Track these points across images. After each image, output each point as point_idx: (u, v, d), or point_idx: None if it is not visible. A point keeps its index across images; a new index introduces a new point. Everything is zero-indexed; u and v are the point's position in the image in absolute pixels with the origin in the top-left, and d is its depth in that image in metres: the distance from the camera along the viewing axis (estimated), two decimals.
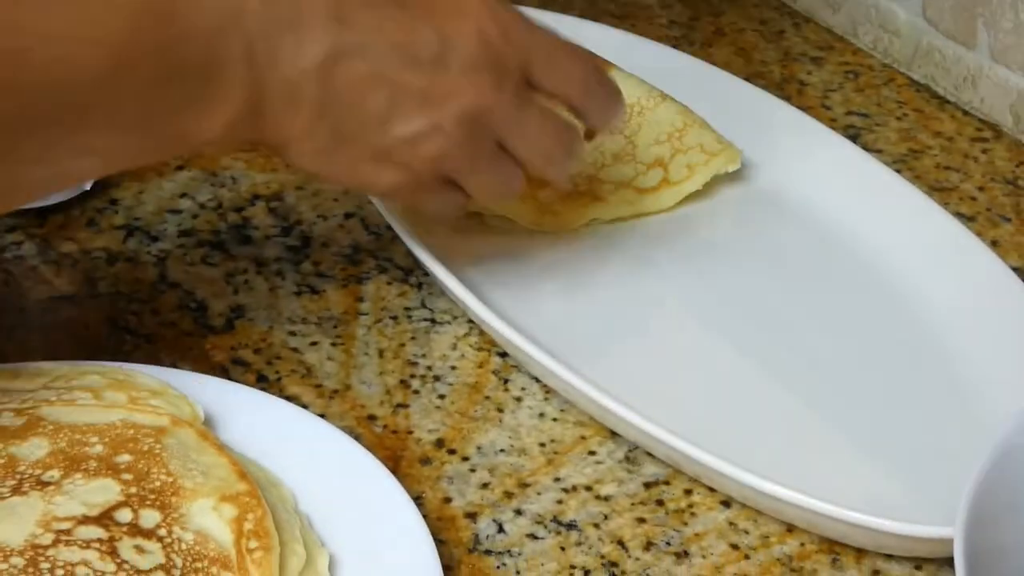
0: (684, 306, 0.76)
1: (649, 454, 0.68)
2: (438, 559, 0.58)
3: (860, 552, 0.64)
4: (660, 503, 0.66)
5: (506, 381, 0.72)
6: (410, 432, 0.69)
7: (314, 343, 0.74)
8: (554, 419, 0.70)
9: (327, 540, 0.60)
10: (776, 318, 0.76)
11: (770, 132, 0.87)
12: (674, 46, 0.96)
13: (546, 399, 0.71)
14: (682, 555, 0.63)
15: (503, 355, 0.74)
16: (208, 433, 0.63)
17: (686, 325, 0.75)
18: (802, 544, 0.64)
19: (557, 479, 0.67)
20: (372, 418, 0.70)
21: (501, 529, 0.64)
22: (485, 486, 0.66)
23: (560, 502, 0.66)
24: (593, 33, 0.92)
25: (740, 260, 0.80)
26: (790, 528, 0.65)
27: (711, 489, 0.66)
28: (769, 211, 0.83)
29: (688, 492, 0.67)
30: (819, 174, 0.84)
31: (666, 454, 0.66)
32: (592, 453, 0.68)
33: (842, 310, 0.77)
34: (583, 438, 0.69)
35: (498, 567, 0.62)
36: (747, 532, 0.65)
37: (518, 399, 0.71)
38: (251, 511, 0.59)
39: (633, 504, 0.66)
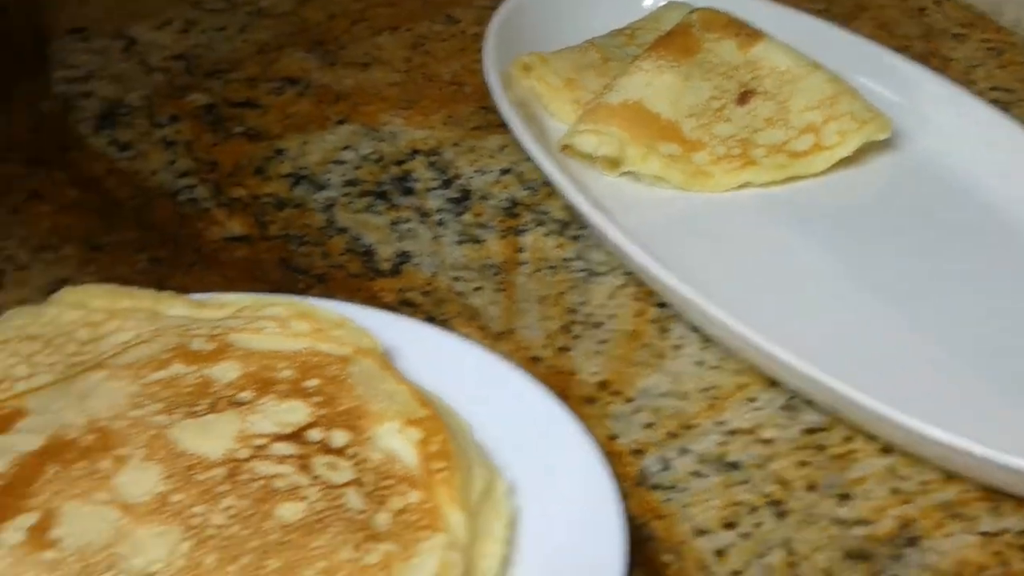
0: (836, 264, 0.78)
1: (808, 403, 0.70)
2: (615, 488, 0.60)
3: (1020, 501, 0.65)
4: (820, 448, 0.68)
5: (665, 330, 0.74)
6: (573, 374, 0.71)
7: (478, 288, 0.76)
8: (713, 367, 0.72)
9: (502, 468, 0.63)
10: (926, 276, 0.77)
11: (920, 102, 0.88)
12: None
13: (704, 348, 0.73)
14: (844, 497, 0.65)
15: (661, 306, 0.76)
16: (388, 363, 0.66)
17: (838, 282, 0.77)
18: (962, 491, 0.66)
19: (719, 423, 0.69)
20: (536, 359, 0.72)
21: (667, 466, 0.66)
22: (649, 426, 0.68)
23: (723, 444, 0.68)
24: (744, 5, 0.94)
25: (891, 222, 0.81)
26: (949, 476, 0.66)
27: (870, 437, 0.68)
28: (919, 179, 0.85)
29: (848, 439, 0.68)
30: (969, 144, 0.85)
31: (827, 400, 0.68)
32: (752, 400, 0.70)
33: (991, 270, 0.78)
34: (742, 386, 0.71)
35: (665, 501, 0.64)
36: (907, 479, 0.66)
37: (677, 347, 0.73)
38: (435, 435, 0.61)
39: (794, 448, 0.68)
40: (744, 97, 0.86)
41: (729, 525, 0.63)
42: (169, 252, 0.77)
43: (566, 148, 0.84)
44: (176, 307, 0.68)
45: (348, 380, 0.64)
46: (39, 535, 0.57)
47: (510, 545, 0.59)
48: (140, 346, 0.65)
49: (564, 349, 0.73)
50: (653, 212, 0.82)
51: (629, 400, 0.70)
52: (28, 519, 0.57)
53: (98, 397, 0.62)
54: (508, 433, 0.64)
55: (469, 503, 0.60)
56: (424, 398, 0.63)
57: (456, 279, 0.77)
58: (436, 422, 0.62)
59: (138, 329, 0.66)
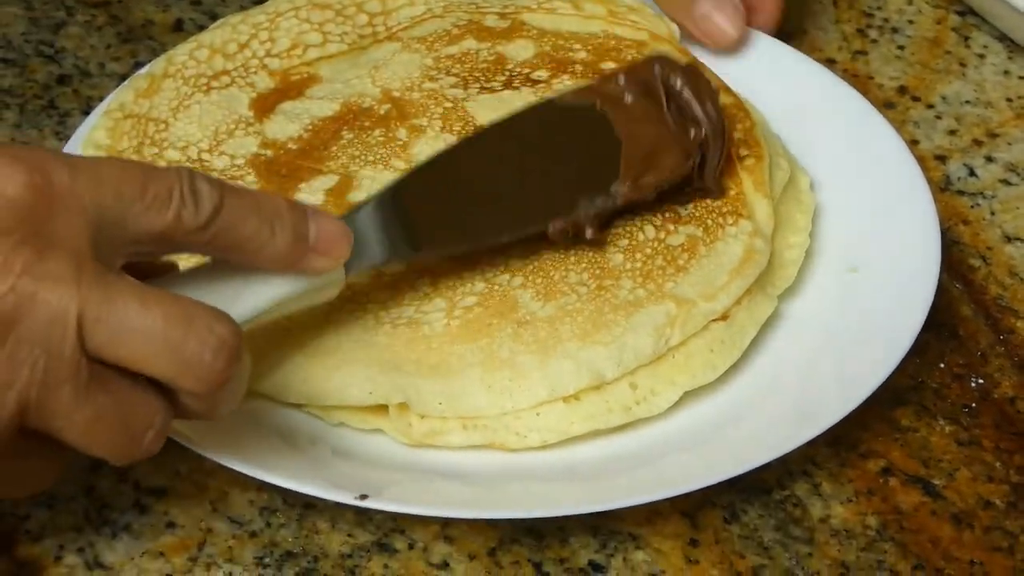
0: None
1: None
2: (927, 186, 0.57)
3: None
4: None
5: (967, 38, 0.70)
6: (871, 78, 0.68)
7: None
8: (1020, 77, 0.68)
9: (803, 163, 0.60)
10: None
11: None
12: None
13: (1010, 58, 0.69)
14: None
15: (962, 14, 0.71)
16: (686, 50, 0.63)
17: None
18: None
19: None
20: (831, 61, 0.68)
21: (972, 173, 0.63)
22: (952, 132, 0.65)
23: None
24: None
25: None
26: None
27: None
28: None
29: None
30: None
31: None
32: None
33: None
34: None
35: (972, 207, 0.61)
36: None
37: (980, 56, 0.69)
38: (740, 122, 0.59)
39: None
40: None
41: None
42: None
43: None
44: None
45: None
46: (337, 198, 0.56)
47: (813, 237, 0.57)
48: (432, 20, 0.63)
49: (860, 52, 0.69)
50: None
51: (930, 106, 0.66)
52: (326, 181, 0.57)
53: (391, 68, 0.61)
54: (807, 128, 0.62)
55: (773, 193, 0.57)
56: (726, 85, 0.61)
57: None
58: (741, 109, 0.60)
59: (429, 4, 0.64)
